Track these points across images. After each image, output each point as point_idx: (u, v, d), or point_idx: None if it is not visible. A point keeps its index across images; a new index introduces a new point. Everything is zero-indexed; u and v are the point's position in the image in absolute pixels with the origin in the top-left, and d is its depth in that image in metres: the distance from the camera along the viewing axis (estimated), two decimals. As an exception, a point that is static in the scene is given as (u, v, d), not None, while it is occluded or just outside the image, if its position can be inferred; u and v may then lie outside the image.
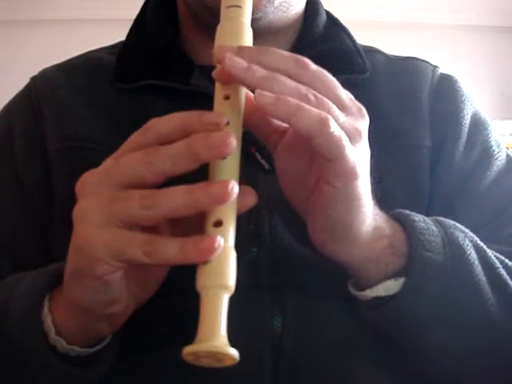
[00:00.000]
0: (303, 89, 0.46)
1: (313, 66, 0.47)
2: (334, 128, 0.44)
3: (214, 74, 0.48)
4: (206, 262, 0.42)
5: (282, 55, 0.47)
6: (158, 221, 0.44)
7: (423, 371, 0.58)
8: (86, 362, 0.52)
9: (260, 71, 0.45)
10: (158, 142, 0.45)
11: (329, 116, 0.44)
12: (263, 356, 0.56)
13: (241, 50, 0.47)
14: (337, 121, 0.45)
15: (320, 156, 0.46)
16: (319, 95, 0.46)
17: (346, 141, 0.45)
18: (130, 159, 0.44)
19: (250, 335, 0.56)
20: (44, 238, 0.64)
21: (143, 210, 0.42)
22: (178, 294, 0.52)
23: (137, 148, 0.45)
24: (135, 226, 0.44)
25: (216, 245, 0.41)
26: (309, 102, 0.45)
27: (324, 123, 0.44)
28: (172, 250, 0.42)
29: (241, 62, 0.45)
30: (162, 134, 0.45)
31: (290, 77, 0.46)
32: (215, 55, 0.47)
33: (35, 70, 0.75)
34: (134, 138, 0.46)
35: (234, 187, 0.42)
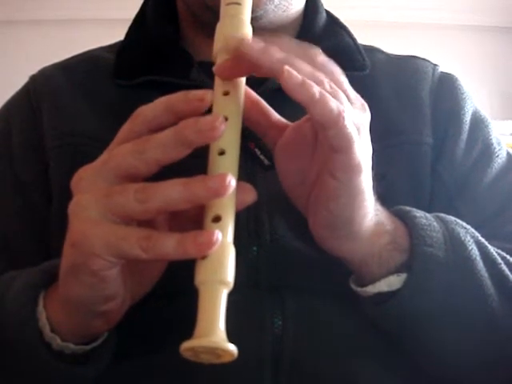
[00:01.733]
0: (320, 75, 0.46)
1: (320, 58, 0.47)
2: (348, 121, 0.45)
3: (215, 69, 0.47)
4: (204, 257, 0.42)
5: (291, 46, 0.47)
6: (153, 214, 0.43)
7: (424, 369, 0.58)
8: (82, 359, 0.52)
9: (278, 54, 0.45)
10: (147, 128, 0.45)
11: (345, 109, 0.45)
12: (263, 356, 0.56)
13: (253, 40, 0.46)
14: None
15: (328, 148, 0.46)
16: (333, 85, 0.46)
17: (356, 135, 0.46)
18: (120, 150, 0.44)
19: (250, 336, 0.56)
20: (42, 235, 0.64)
21: (139, 203, 0.42)
22: (176, 295, 0.52)
23: (128, 138, 0.45)
24: (131, 220, 0.44)
25: (214, 239, 0.41)
26: (325, 90, 0.45)
27: (340, 115, 0.44)
28: (170, 244, 0.42)
29: (258, 44, 0.45)
30: (149, 118, 0.45)
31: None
32: (229, 43, 0.47)
33: (35, 70, 0.75)
34: (124, 127, 0.46)
35: (232, 181, 0.42)
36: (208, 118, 0.42)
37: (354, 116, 0.47)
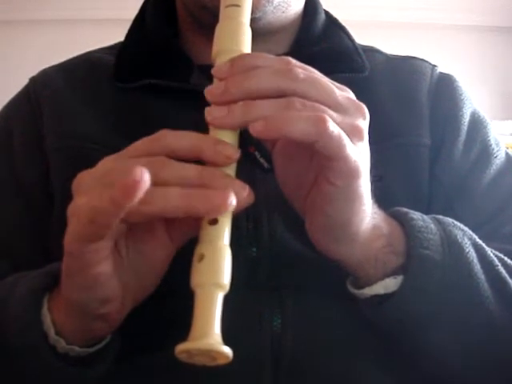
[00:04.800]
0: (285, 102, 0.45)
1: (301, 75, 0.46)
2: (332, 127, 0.44)
3: (214, 71, 0.48)
4: (200, 260, 0.42)
5: (268, 72, 0.46)
6: (148, 218, 0.44)
7: (423, 370, 0.58)
8: (86, 361, 0.52)
9: (237, 111, 0.45)
10: (166, 154, 0.45)
11: (324, 115, 0.44)
12: (263, 356, 0.56)
13: (229, 81, 0.46)
14: (333, 121, 0.45)
15: (321, 156, 0.46)
16: (308, 102, 0.45)
17: (346, 139, 0.45)
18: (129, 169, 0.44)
19: (250, 335, 0.56)
20: (43, 238, 0.64)
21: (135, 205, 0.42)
22: (174, 295, 0.52)
23: (143, 155, 0.45)
24: (127, 222, 0.44)
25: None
26: (298, 111, 0.45)
27: (320, 123, 0.44)
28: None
29: (220, 111, 0.45)
30: (171, 148, 0.45)
31: (281, 90, 0.46)
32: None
33: (35, 70, 0.75)
34: (142, 145, 0.46)
35: (233, 200, 0.42)
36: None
37: (343, 121, 0.46)
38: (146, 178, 0.38)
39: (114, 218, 0.41)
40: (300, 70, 0.46)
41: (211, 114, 0.46)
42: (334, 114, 0.46)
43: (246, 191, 0.45)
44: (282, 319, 0.58)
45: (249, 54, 0.50)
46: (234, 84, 0.46)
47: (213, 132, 0.46)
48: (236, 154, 0.45)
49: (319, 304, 0.59)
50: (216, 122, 0.46)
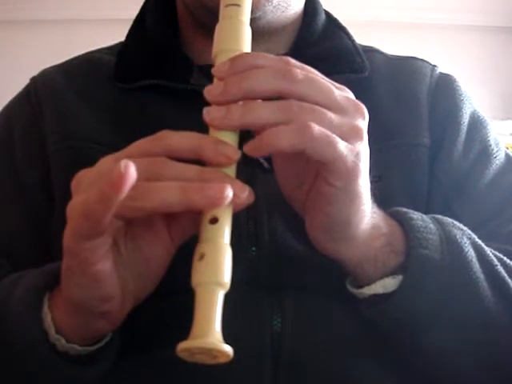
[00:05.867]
0: (283, 105, 0.45)
1: (300, 76, 0.46)
2: (318, 131, 0.44)
3: (214, 71, 0.48)
4: (201, 258, 0.43)
5: (267, 73, 0.46)
6: (146, 213, 0.43)
7: (423, 370, 0.58)
8: (87, 360, 0.52)
9: (236, 112, 0.45)
10: (166, 155, 0.45)
11: (308, 122, 0.44)
12: (263, 355, 0.56)
13: (228, 81, 0.47)
14: (322, 122, 0.45)
15: (315, 162, 0.46)
16: (305, 104, 0.46)
17: (335, 140, 0.45)
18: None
19: (250, 335, 0.56)
20: (44, 238, 0.65)
21: (131, 200, 0.42)
22: (175, 294, 0.52)
23: (143, 155, 0.45)
24: (125, 218, 0.44)
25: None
26: (292, 114, 0.45)
27: (304, 130, 0.44)
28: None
29: (219, 111, 0.46)
30: (172, 148, 0.45)
31: (280, 91, 0.46)
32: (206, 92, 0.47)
33: (35, 70, 0.75)
34: (143, 144, 0.46)
35: (230, 192, 0.42)
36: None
37: (339, 122, 0.46)
38: (131, 170, 0.38)
39: (105, 212, 0.41)
40: (299, 71, 0.47)
41: (210, 114, 0.46)
42: (333, 115, 0.46)
43: (245, 191, 0.45)
44: (282, 319, 0.58)
45: (248, 53, 0.51)
46: (233, 84, 0.46)
47: (213, 132, 0.47)
48: (236, 154, 0.45)
49: (319, 304, 0.59)
50: (215, 123, 0.46)
